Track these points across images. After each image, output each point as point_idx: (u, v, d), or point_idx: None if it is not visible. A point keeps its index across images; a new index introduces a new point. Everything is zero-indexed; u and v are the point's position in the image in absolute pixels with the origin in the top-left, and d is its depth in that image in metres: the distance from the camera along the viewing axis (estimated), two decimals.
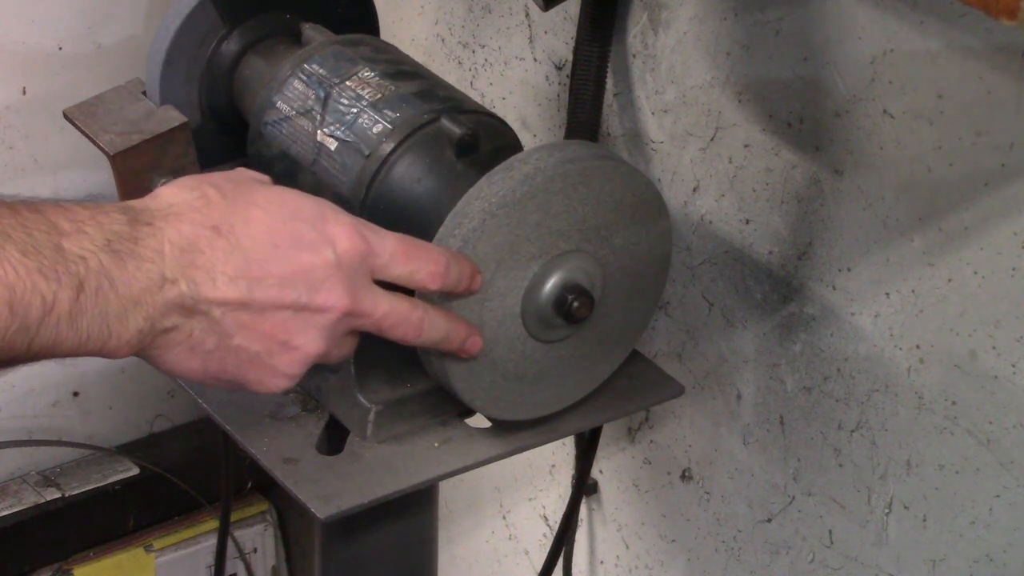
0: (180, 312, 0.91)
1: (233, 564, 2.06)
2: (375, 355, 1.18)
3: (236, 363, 0.95)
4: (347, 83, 1.19)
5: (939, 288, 1.16)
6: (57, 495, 1.89)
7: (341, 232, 0.96)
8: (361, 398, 1.18)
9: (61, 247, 0.84)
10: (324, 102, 1.19)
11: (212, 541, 1.96)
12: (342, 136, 1.17)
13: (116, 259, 0.87)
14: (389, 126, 1.16)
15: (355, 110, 1.17)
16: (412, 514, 1.30)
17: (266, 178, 1.01)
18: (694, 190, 1.35)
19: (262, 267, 0.93)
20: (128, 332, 0.89)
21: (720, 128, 1.30)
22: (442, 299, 1.06)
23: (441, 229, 1.07)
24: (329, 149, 1.17)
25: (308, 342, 0.96)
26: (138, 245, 0.88)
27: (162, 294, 0.89)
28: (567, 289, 1.11)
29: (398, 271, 0.99)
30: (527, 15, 1.48)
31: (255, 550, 2.08)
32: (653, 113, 1.37)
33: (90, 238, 0.86)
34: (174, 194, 0.94)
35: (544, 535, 1.73)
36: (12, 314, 0.82)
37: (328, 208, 0.98)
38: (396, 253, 0.99)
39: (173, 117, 1.25)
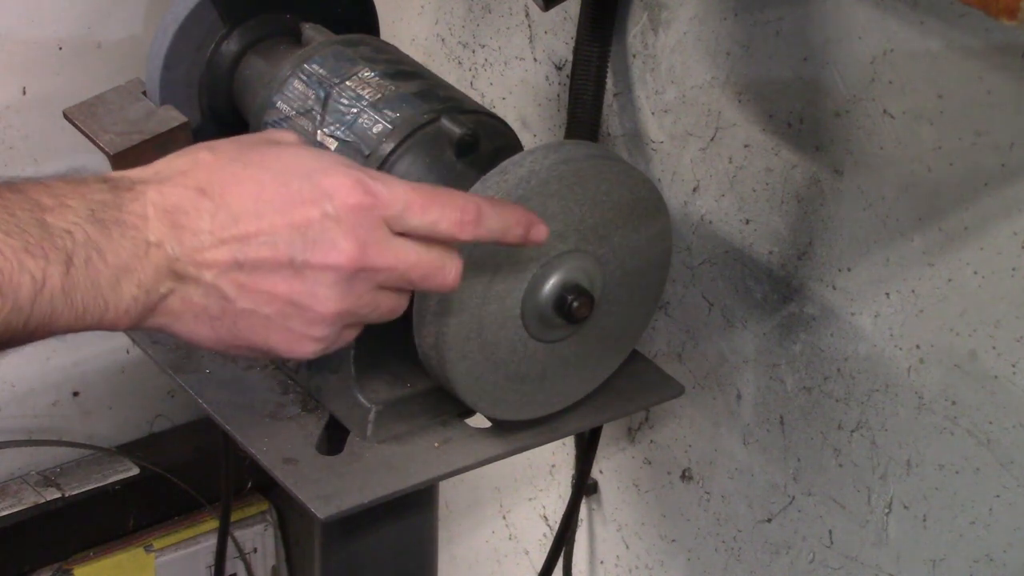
0: (171, 276, 0.88)
1: (233, 564, 2.06)
2: (375, 355, 1.19)
3: (249, 328, 0.91)
4: (347, 83, 1.19)
5: (939, 288, 1.16)
6: (57, 495, 1.89)
7: (338, 184, 0.91)
8: (361, 398, 1.18)
9: (45, 223, 0.83)
10: (324, 102, 1.19)
11: (212, 541, 1.96)
12: (342, 136, 1.17)
13: (101, 228, 0.85)
14: (389, 126, 1.16)
15: (355, 110, 1.17)
16: (412, 514, 1.30)
17: (291, 137, 0.97)
18: (694, 190, 1.35)
19: (250, 225, 0.89)
20: (123, 301, 0.86)
21: (720, 128, 1.30)
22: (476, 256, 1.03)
23: None
24: (329, 149, 1.17)
25: (318, 302, 0.91)
26: (122, 212, 0.86)
27: (148, 259, 0.87)
28: (567, 289, 1.11)
29: (417, 222, 0.93)
30: (527, 15, 1.48)
31: (255, 550, 2.08)
32: (653, 113, 1.37)
33: (73, 211, 0.84)
34: (166, 162, 0.91)
35: (544, 535, 1.73)
36: (3, 296, 0.80)
37: (332, 162, 0.93)
38: (411, 203, 0.92)
39: (173, 117, 1.25)
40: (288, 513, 2.10)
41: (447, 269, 0.95)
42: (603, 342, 1.19)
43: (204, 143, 0.93)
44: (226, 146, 0.93)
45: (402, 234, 0.93)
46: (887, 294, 1.20)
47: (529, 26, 1.49)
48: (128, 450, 1.97)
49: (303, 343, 0.93)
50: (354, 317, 0.93)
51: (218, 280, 0.89)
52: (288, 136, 0.97)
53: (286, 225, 0.90)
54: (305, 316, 0.91)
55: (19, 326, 0.82)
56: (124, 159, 1.21)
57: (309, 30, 1.27)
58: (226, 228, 0.89)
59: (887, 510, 1.26)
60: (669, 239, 1.19)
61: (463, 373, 1.11)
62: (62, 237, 0.83)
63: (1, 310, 0.80)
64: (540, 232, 0.98)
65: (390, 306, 0.95)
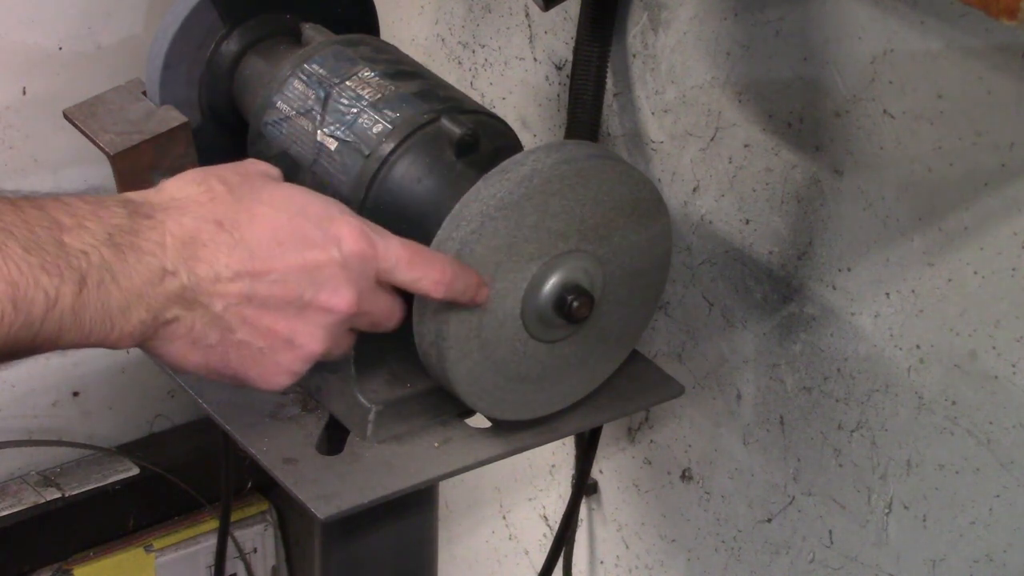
0: (181, 304, 0.91)
1: (233, 564, 2.06)
2: (375, 355, 1.19)
3: (238, 358, 0.96)
4: (347, 83, 1.19)
5: (939, 288, 1.16)
6: (57, 495, 1.89)
7: (348, 232, 0.96)
8: (361, 398, 1.18)
9: (63, 242, 0.85)
10: (324, 102, 1.19)
11: (212, 541, 1.96)
12: (342, 136, 1.17)
13: (117, 253, 0.87)
14: (389, 126, 1.16)
15: (355, 110, 1.17)
16: (412, 514, 1.30)
17: (276, 172, 1.01)
18: (694, 190, 1.35)
19: (266, 263, 0.93)
20: (130, 324, 0.89)
21: (720, 128, 1.30)
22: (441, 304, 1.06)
23: (439, 233, 1.07)
24: (329, 149, 1.17)
25: (311, 340, 0.97)
26: (139, 238, 0.89)
27: (163, 286, 0.90)
28: (567, 289, 1.11)
29: (402, 277, 1.00)
30: (527, 15, 1.48)
31: (255, 550, 2.08)
32: (653, 113, 1.37)
33: (91, 233, 0.87)
34: (179, 188, 0.94)
35: (544, 535, 1.73)
36: (16, 310, 0.82)
37: (336, 207, 0.98)
38: (401, 259, 0.99)
39: (173, 117, 1.25)
40: (288, 513, 2.10)
41: (397, 314, 1.03)
42: (603, 342, 1.19)
43: (210, 172, 0.97)
44: (232, 178, 0.96)
45: (379, 282, 1.00)
46: (887, 294, 1.20)
47: (529, 26, 1.49)
48: (128, 450, 1.97)
49: (280, 377, 0.98)
50: (326, 357, 0.99)
51: (226, 312, 0.93)
52: (274, 171, 1.01)
53: (298, 266, 0.94)
54: (294, 353, 0.97)
55: (27, 340, 0.85)
56: (124, 159, 1.21)
57: (309, 30, 1.27)
58: (243, 263, 0.93)
59: (887, 510, 1.26)
60: (669, 239, 1.19)
61: (463, 373, 1.11)
62: (78, 258, 0.85)
63: (13, 324, 0.83)
64: (483, 294, 1.06)
65: (349, 344, 1.02)
